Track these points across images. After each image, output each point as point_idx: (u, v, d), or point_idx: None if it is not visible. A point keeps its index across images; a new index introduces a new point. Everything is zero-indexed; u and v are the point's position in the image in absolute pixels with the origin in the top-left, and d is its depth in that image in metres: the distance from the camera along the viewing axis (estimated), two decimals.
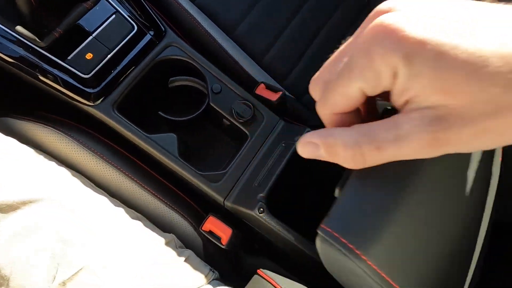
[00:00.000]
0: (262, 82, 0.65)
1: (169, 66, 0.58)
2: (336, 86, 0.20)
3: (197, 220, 0.59)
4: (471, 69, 0.15)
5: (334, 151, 0.21)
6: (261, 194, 0.52)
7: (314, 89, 0.24)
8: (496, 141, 0.17)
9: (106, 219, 0.49)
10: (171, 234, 0.57)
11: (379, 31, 0.17)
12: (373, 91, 0.19)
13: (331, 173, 0.61)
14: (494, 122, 0.16)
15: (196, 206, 0.62)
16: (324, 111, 0.23)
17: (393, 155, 0.19)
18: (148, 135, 0.53)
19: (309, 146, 0.23)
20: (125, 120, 0.53)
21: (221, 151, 0.68)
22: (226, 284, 0.60)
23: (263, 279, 0.42)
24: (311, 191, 0.71)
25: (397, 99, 0.19)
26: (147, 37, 0.55)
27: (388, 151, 0.19)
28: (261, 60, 0.76)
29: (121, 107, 0.54)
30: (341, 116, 0.22)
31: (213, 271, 0.57)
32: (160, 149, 0.53)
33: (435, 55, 0.16)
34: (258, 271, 0.45)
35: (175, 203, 0.58)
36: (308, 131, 0.56)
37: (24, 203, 0.42)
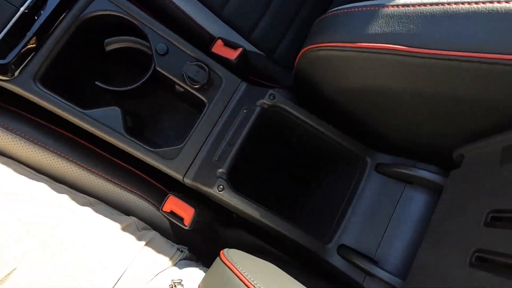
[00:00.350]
0: (219, 38, 0.56)
1: (101, 24, 0.48)
2: None
3: (160, 199, 0.54)
4: None
5: None
6: (221, 170, 0.47)
7: None
8: None
9: (47, 209, 0.43)
10: (131, 217, 0.53)
11: None
12: None
13: (300, 131, 0.55)
14: None
15: (157, 183, 0.57)
16: None
17: None
18: (83, 111, 0.45)
19: None
20: (52, 94, 0.44)
21: (179, 120, 0.61)
22: (198, 262, 0.58)
23: (223, 264, 0.38)
24: (279, 152, 0.66)
25: None
26: None
27: None
28: (221, 12, 0.65)
29: (45, 79, 0.45)
30: None
31: (182, 250, 0.54)
32: (101, 126, 0.46)
33: None
34: (221, 253, 0.41)
35: (131, 184, 0.52)
36: (272, 93, 0.49)
37: None
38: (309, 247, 0.46)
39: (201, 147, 0.49)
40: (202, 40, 0.59)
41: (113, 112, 0.47)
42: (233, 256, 0.39)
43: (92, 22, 0.47)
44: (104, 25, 0.49)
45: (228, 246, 0.65)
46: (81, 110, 0.45)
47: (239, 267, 0.36)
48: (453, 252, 0.28)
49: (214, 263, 0.41)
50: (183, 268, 0.49)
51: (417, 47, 0.34)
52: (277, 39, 0.72)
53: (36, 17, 0.43)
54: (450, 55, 0.33)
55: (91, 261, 0.41)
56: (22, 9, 0.42)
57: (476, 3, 0.30)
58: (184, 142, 0.49)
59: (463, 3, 0.31)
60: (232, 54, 0.53)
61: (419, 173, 0.42)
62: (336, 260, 0.45)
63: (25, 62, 0.43)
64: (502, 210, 0.26)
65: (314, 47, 0.41)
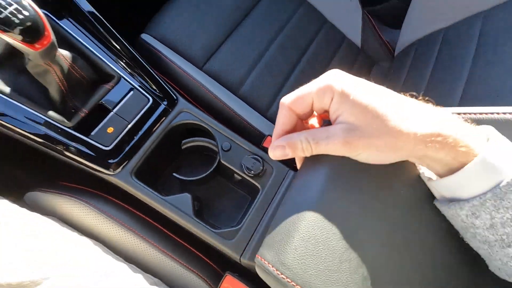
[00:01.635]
0: (269, 135, 0.69)
1: (181, 130, 0.63)
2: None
3: (215, 279, 0.59)
4: (368, 109, 0.27)
5: (294, 147, 0.31)
6: None
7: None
8: (378, 156, 0.28)
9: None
10: None
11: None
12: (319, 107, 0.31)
13: None
14: (377, 141, 0.27)
15: (212, 264, 0.62)
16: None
17: (324, 149, 0.30)
18: (163, 198, 0.56)
19: (278, 149, 0.32)
20: (143, 185, 0.56)
21: (232, 203, 0.70)
22: None
23: None
24: None
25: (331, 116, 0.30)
26: (162, 107, 0.60)
27: (322, 145, 0.30)
28: (266, 113, 0.81)
29: (138, 173, 0.57)
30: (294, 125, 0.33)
31: None
32: (176, 210, 0.55)
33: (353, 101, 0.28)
34: None
35: (191, 263, 0.58)
36: None
37: (35, 283, 0.42)
38: None
39: (256, 228, 0.56)
40: (253, 136, 0.73)
41: (185, 198, 0.57)
42: None
43: (177, 129, 0.62)
44: (184, 130, 0.63)
45: None
46: (162, 197, 0.56)
47: None
48: None
49: None
50: None
51: None
52: None
53: (140, 128, 0.58)
54: None
55: None
56: (131, 123, 0.57)
57: None
58: (242, 223, 0.57)
59: None
60: None
61: None
62: None
63: (126, 161, 0.56)
64: None
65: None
